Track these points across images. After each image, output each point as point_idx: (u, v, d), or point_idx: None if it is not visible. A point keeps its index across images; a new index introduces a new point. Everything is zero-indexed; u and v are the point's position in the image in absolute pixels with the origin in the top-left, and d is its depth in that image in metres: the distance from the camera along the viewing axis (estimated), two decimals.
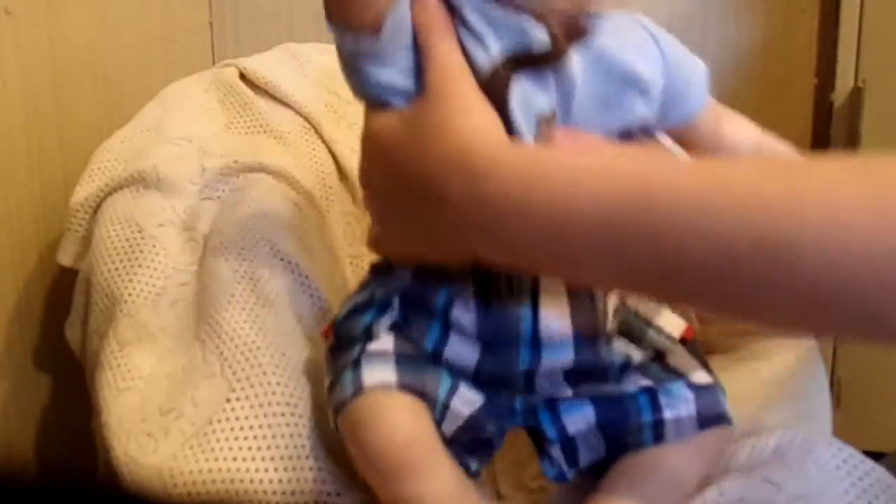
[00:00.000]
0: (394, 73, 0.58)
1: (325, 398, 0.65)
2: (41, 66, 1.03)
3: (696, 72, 0.63)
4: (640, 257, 0.47)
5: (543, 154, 0.54)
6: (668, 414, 0.62)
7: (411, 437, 0.58)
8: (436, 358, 0.62)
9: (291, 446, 0.66)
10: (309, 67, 1.15)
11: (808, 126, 1.42)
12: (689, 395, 0.63)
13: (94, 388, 0.77)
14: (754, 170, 0.46)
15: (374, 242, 0.64)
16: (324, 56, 1.18)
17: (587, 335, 0.61)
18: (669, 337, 0.66)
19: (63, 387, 1.06)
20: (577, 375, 0.62)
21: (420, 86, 0.57)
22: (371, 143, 0.60)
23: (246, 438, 0.66)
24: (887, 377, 1.34)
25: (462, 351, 0.61)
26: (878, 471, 0.64)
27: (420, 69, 0.57)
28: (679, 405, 0.62)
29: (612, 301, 0.64)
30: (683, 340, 0.66)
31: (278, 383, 0.69)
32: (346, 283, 0.89)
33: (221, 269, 0.80)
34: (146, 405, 0.72)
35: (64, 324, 0.94)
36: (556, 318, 0.60)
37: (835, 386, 1.38)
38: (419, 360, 0.62)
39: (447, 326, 0.61)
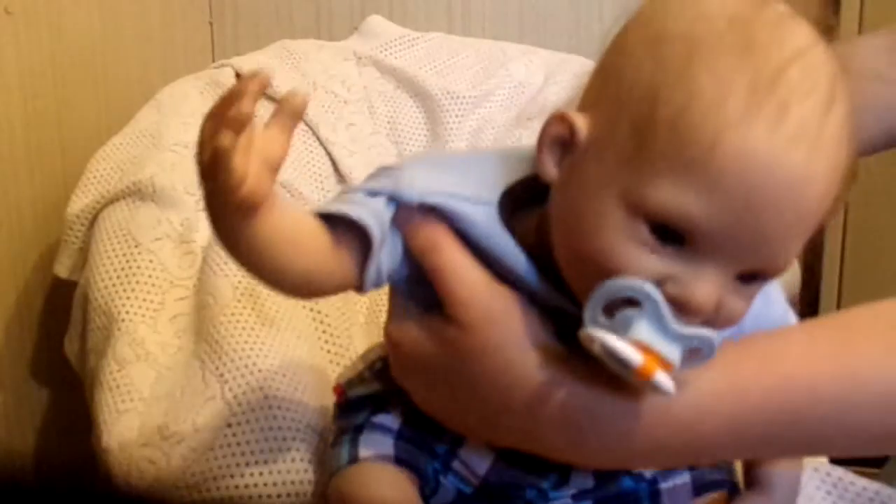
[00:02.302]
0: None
1: (326, 422, 0.67)
2: (41, 66, 1.03)
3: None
4: (784, 451, 0.53)
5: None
6: (663, 485, 0.61)
7: None
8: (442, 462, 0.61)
9: (294, 471, 0.66)
10: (306, 66, 1.14)
11: None
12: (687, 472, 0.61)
13: (93, 407, 0.76)
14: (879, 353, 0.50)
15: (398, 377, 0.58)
16: (321, 53, 1.17)
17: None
18: None
19: (63, 387, 1.06)
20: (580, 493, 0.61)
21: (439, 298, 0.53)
22: (405, 356, 0.56)
23: (248, 465, 0.66)
24: None
25: (472, 461, 0.59)
26: (872, 489, 0.64)
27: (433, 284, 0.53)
28: (674, 475, 0.61)
29: None
30: None
31: (279, 407, 0.69)
32: (347, 297, 0.87)
33: (221, 286, 0.80)
34: (146, 427, 0.72)
35: (63, 326, 0.94)
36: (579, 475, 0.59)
37: None
38: (420, 440, 0.60)
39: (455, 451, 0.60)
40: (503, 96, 1.18)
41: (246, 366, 0.73)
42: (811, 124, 0.45)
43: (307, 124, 1.07)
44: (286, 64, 1.14)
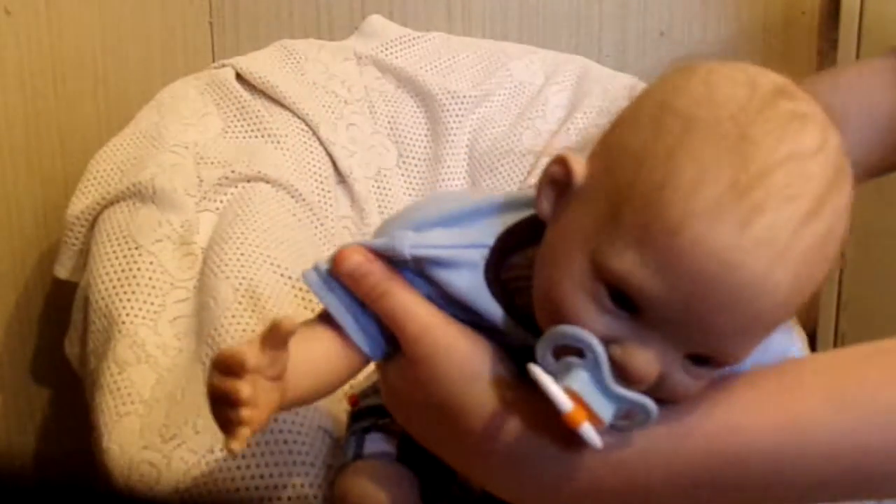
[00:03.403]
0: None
1: (329, 425, 0.69)
2: (41, 66, 1.03)
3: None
4: (722, 498, 0.52)
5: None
6: None
7: None
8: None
9: (295, 474, 0.66)
10: (306, 66, 1.14)
11: None
12: None
13: (94, 409, 0.76)
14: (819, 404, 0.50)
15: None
16: (321, 53, 1.17)
17: None
18: None
19: (63, 388, 1.06)
20: None
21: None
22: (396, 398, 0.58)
23: (249, 468, 0.67)
24: None
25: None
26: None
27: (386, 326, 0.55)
28: None
29: None
30: None
31: None
32: None
33: (222, 288, 0.80)
34: (147, 430, 0.71)
35: (63, 327, 0.93)
36: None
37: None
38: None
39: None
40: (504, 96, 1.18)
41: None
42: (782, 234, 0.45)
43: (307, 124, 1.07)
44: (286, 65, 1.14)
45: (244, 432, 0.50)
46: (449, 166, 1.12)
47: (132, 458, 0.69)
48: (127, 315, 0.81)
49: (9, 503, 0.33)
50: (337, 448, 0.72)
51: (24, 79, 1.00)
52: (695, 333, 0.47)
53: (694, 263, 0.45)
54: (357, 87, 1.15)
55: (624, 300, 0.47)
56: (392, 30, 1.22)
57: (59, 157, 1.06)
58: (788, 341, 0.55)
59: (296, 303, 0.79)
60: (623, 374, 0.47)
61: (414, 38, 1.20)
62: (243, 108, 1.06)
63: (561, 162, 0.50)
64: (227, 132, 1.03)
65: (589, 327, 0.47)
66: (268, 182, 0.95)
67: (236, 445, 0.50)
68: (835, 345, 1.40)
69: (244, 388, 0.50)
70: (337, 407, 0.71)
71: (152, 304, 0.82)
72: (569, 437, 0.48)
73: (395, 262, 0.55)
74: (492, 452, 0.52)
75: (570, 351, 0.48)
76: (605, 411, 0.47)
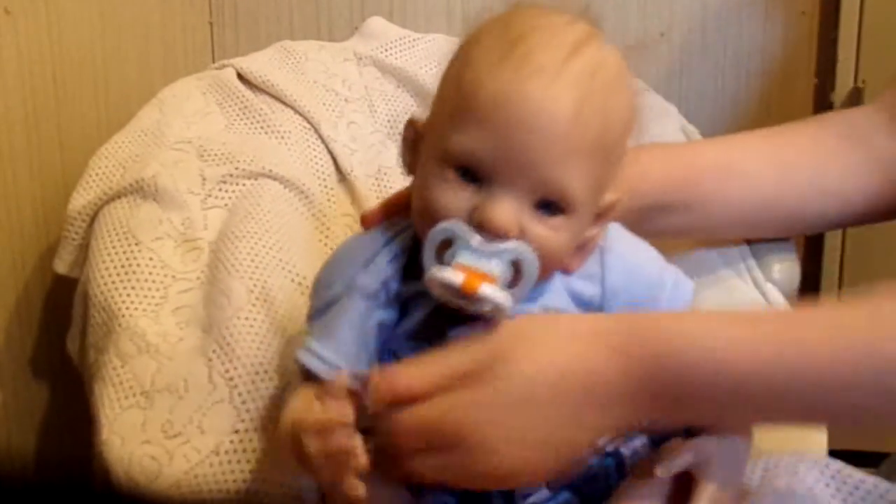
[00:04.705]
0: None
1: None
2: (41, 66, 1.03)
3: (649, 302, 0.64)
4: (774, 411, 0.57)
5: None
6: (625, 451, 0.65)
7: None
8: None
9: (296, 475, 0.66)
10: (307, 66, 1.14)
11: None
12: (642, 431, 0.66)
13: (94, 402, 0.76)
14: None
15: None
16: (321, 53, 1.17)
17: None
18: None
19: (63, 386, 1.06)
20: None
21: None
22: None
23: (252, 472, 0.66)
24: None
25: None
26: (870, 481, 0.64)
27: None
28: (633, 440, 0.65)
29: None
30: None
31: None
32: None
33: (235, 286, 0.80)
34: (149, 424, 0.71)
35: (63, 325, 0.94)
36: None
37: None
38: None
39: None
40: None
41: (257, 372, 0.73)
42: (551, 65, 0.57)
43: (308, 122, 1.07)
44: (286, 64, 1.14)
45: (355, 481, 0.55)
46: None
47: (133, 451, 0.69)
48: (126, 308, 0.81)
49: (9, 502, 0.33)
50: None
51: (24, 79, 1.00)
52: (522, 172, 0.57)
53: (493, 110, 0.56)
54: (357, 87, 1.15)
55: (468, 173, 0.58)
56: (392, 31, 1.22)
57: (59, 156, 1.06)
58: (662, 270, 0.65)
59: (306, 309, 0.79)
60: (488, 230, 0.56)
61: (414, 40, 1.20)
62: (246, 106, 1.06)
63: (408, 125, 0.64)
64: (230, 130, 1.03)
65: (452, 212, 0.57)
66: (274, 179, 0.96)
67: (362, 490, 0.54)
68: None
69: (356, 440, 0.54)
70: None
71: (153, 297, 0.82)
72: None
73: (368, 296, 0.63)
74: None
75: (447, 244, 0.57)
76: (493, 267, 0.56)
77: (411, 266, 0.62)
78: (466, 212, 0.57)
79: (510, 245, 0.57)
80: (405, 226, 0.64)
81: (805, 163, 0.81)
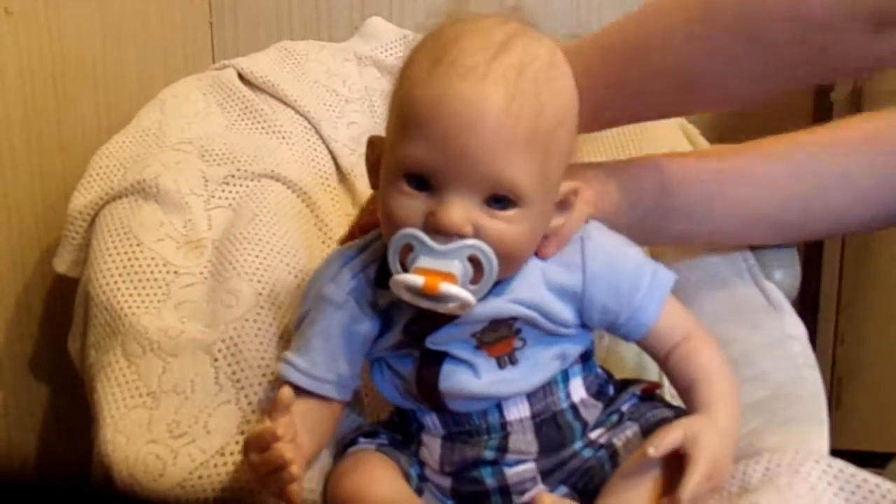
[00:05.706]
0: None
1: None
2: (41, 66, 1.03)
3: (630, 289, 0.67)
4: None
5: None
6: (617, 442, 0.67)
7: (391, 490, 0.66)
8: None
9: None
10: (307, 66, 1.14)
11: (808, 126, 1.41)
12: (634, 421, 0.68)
13: (97, 401, 0.76)
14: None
15: None
16: (321, 53, 1.17)
17: (551, 448, 0.67)
18: (635, 394, 0.71)
19: (64, 386, 1.06)
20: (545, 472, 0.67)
21: None
22: None
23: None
24: (887, 377, 1.34)
25: (431, 447, 0.70)
26: (872, 481, 0.64)
27: None
28: (624, 430, 0.67)
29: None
30: (646, 394, 0.72)
31: None
32: None
33: (244, 288, 0.80)
34: (155, 424, 0.71)
35: (64, 325, 0.93)
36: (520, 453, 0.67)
37: (835, 386, 1.38)
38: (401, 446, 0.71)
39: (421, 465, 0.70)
40: None
41: (264, 374, 0.74)
42: (479, 65, 0.59)
43: (309, 122, 1.08)
44: (287, 65, 1.14)
45: (296, 489, 0.59)
46: None
47: (138, 450, 0.69)
48: (129, 307, 0.80)
49: (9, 502, 0.33)
50: (336, 450, 0.72)
51: (24, 79, 1.00)
52: (464, 171, 0.59)
53: (429, 115, 0.59)
54: (357, 87, 1.16)
55: (419, 180, 0.61)
56: (392, 31, 1.23)
57: (59, 156, 1.06)
58: (642, 258, 0.68)
59: None
60: (443, 232, 0.60)
61: (414, 40, 1.20)
62: (247, 106, 1.06)
63: (369, 144, 0.67)
64: (231, 129, 1.03)
65: (410, 220, 0.61)
66: (276, 180, 0.96)
67: (299, 501, 0.59)
68: (834, 345, 1.40)
69: (286, 449, 0.59)
70: None
71: (155, 294, 0.82)
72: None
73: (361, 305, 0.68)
74: None
75: (409, 250, 0.61)
76: (450, 267, 0.59)
77: (384, 276, 0.64)
78: (422, 218, 0.61)
79: (466, 242, 0.60)
80: (375, 237, 0.69)
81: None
